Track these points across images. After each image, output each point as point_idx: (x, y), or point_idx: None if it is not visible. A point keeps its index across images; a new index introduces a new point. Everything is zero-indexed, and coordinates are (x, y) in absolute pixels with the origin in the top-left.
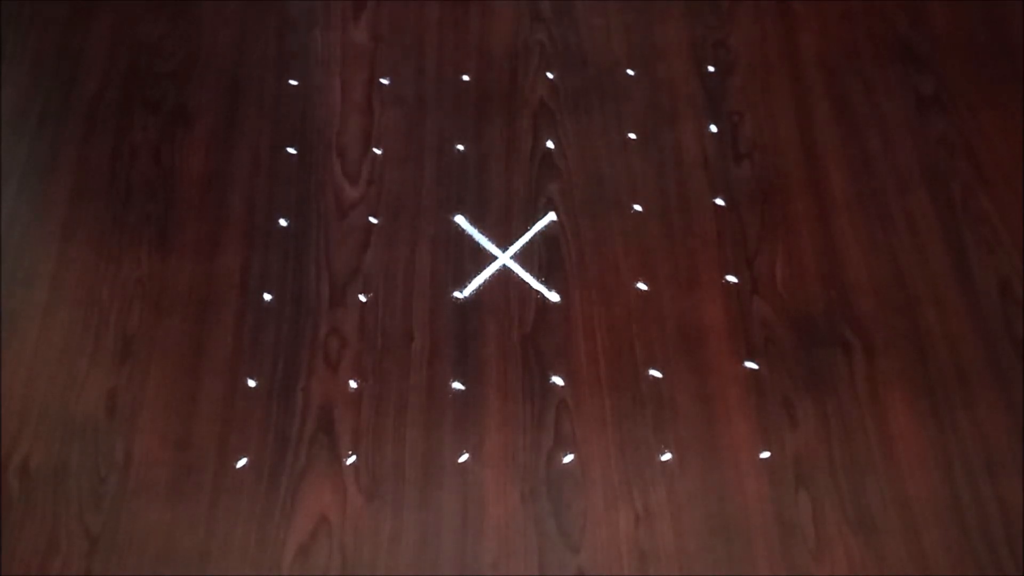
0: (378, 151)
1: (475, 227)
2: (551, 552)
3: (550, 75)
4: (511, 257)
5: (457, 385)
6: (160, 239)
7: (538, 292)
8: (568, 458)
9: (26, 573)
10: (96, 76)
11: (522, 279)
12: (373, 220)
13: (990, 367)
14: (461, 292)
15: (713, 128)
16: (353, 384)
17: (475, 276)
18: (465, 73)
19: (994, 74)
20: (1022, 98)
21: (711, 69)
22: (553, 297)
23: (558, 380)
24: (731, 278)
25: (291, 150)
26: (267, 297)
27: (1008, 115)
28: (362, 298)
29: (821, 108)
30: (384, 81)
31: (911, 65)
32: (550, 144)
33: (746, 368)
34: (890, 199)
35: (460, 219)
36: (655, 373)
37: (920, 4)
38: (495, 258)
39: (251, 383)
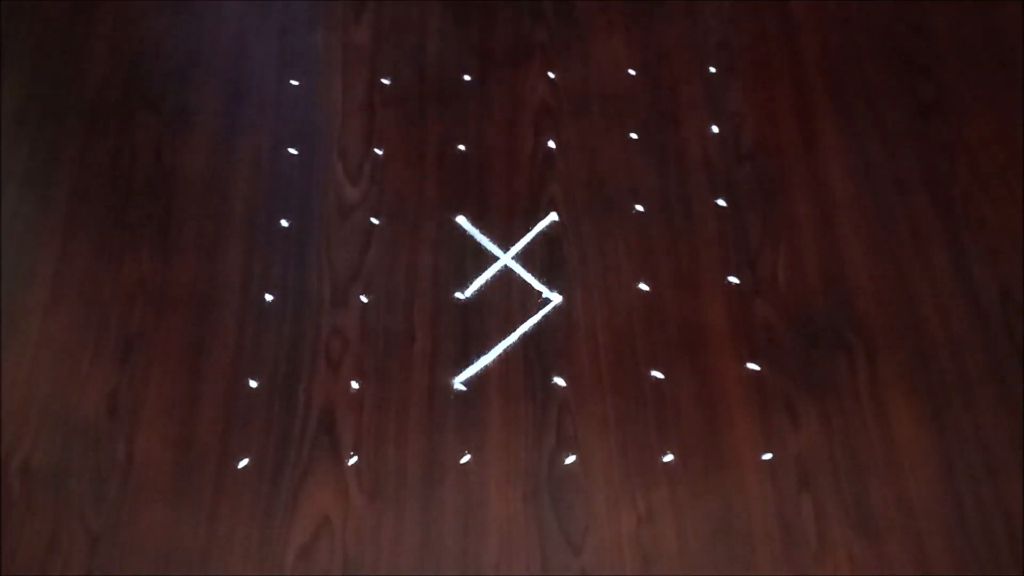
0: (379, 151)
1: (476, 227)
2: (553, 553)
3: (551, 75)
4: (512, 257)
5: (459, 386)
6: (160, 239)
7: (540, 292)
8: (570, 459)
9: (27, 573)
10: (96, 76)
11: (524, 279)
12: (374, 220)
13: (991, 371)
14: (463, 292)
15: (715, 129)
16: (355, 384)
17: (476, 276)
18: (466, 73)
19: (994, 80)
20: (1021, 102)
21: (712, 70)
22: (555, 298)
23: (560, 381)
24: (733, 279)
25: (292, 150)
26: (268, 297)
27: (1008, 119)
28: (363, 299)
29: (822, 110)
30: (385, 81)
31: (911, 70)
32: (551, 144)
33: (748, 369)
34: (891, 202)
35: (461, 219)
36: (657, 374)
37: (920, 10)
38: (496, 258)
39: (252, 383)
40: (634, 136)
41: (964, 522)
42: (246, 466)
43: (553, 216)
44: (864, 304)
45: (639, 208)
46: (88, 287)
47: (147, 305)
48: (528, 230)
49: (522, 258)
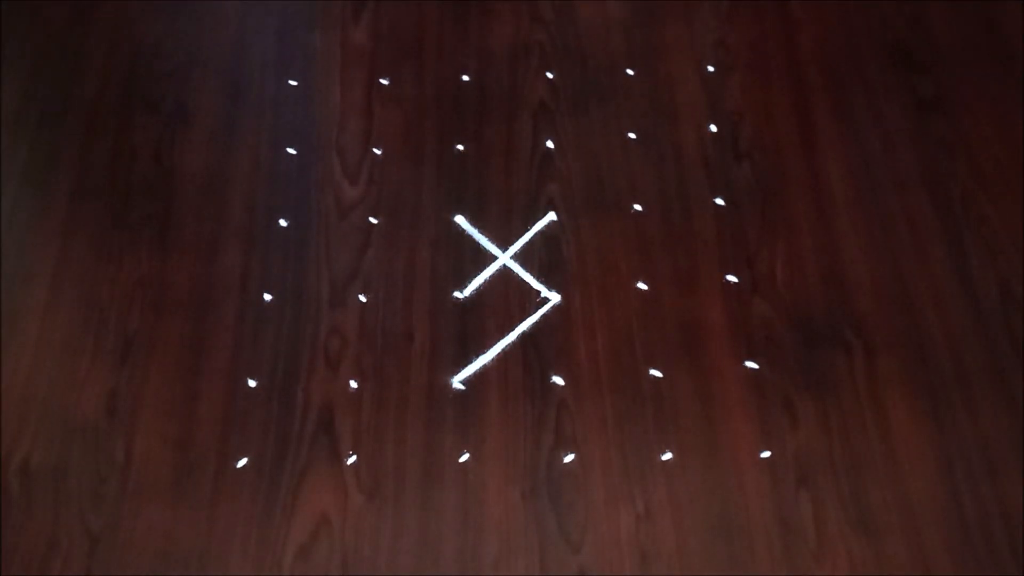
0: (378, 151)
1: (475, 227)
2: (552, 551)
3: (550, 75)
4: (511, 257)
5: (457, 385)
6: (160, 239)
7: (538, 292)
8: (569, 458)
9: (26, 573)
10: (96, 76)
11: (522, 279)
12: (373, 220)
13: (990, 368)
14: (461, 292)
15: (713, 128)
16: (353, 384)
17: (475, 276)
18: (465, 73)
19: (993, 77)
20: (1021, 100)
21: (711, 69)
22: (553, 297)
23: (559, 380)
24: (731, 278)
25: (291, 150)
26: (267, 297)
27: (1007, 118)
28: (362, 298)
29: (821, 108)
30: (384, 81)
31: (910, 67)
32: (550, 144)
33: (747, 368)
34: (890, 200)
35: (460, 219)
36: (655, 373)
37: (919, 7)
38: (495, 258)
39: (251, 383)
40: (632, 135)
41: (963, 520)
42: (245, 465)
43: (552, 215)
44: (863, 302)
45: (637, 207)
46: (87, 287)
47: (146, 305)
48: (527, 229)
49: (521, 257)
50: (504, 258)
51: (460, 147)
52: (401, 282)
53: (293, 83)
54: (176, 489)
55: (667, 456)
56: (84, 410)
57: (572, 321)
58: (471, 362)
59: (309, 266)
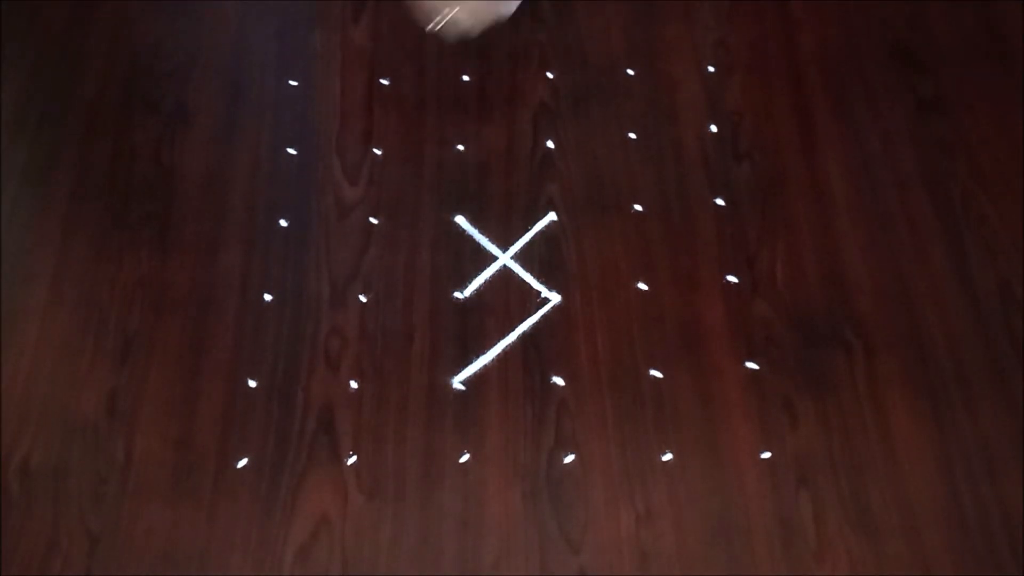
0: (378, 151)
1: (475, 227)
2: (552, 552)
3: (550, 75)
4: (511, 257)
5: (458, 385)
6: (160, 239)
7: (538, 292)
8: (569, 458)
9: (26, 573)
10: (96, 76)
11: (522, 279)
12: (373, 220)
13: (990, 368)
14: (461, 292)
15: (713, 128)
16: (354, 384)
17: (475, 276)
18: (465, 73)
19: (993, 77)
20: (1021, 100)
21: (711, 69)
22: (553, 297)
23: (559, 380)
24: (731, 278)
25: (291, 150)
26: (267, 297)
27: (1007, 118)
28: (362, 298)
29: (821, 108)
30: (384, 81)
31: (910, 67)
32: (550, 144)
33: (747, 368)
34: (890, 200)
35: (460, 219)
36: (656, 373)
37: (919, 7)
38: (495, 258)
39: (251, 383)
40: (632, 136)
41: (963, 520)
42: (245, 466)
43: (552, 216)
44: (863, 302)
45: (637, 207)
46: (87, 287)
47: (146, 305)
48: (527, 230)
49: (521, 258)
50: (504, 258)
51: (460, 147)
52: (401, 282)
53: (293, 83)
54: (176, 489)
55: (667, 456)
56: (84, 410)
57: (572, 321)
58: (471, 362)
59: (309, 266)
